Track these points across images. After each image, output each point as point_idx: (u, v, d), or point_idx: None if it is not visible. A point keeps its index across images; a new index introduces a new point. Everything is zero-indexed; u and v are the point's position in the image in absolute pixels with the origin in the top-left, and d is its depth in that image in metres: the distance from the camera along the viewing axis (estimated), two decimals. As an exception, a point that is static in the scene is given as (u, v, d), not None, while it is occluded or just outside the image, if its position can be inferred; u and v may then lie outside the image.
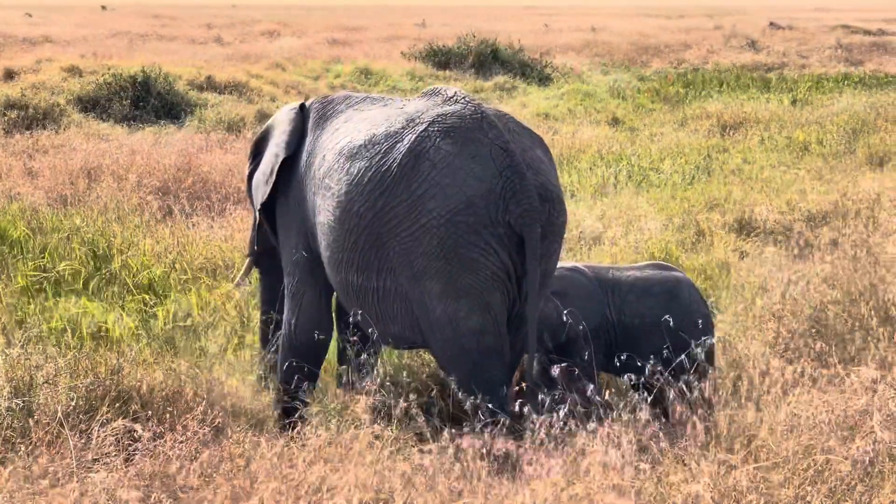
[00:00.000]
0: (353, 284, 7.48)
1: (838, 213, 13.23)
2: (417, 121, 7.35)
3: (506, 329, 7.26)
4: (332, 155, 7.64)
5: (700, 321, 8.07)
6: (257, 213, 8.39)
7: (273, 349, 8.56)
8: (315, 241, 7.86)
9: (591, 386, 7.51)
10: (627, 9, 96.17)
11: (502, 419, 6.87)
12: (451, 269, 7.03)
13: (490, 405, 6.99)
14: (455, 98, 7.52)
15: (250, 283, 9.77)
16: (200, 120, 22.05)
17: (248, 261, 9.17)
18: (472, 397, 6.97)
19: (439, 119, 7.28)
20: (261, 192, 8.33)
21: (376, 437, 6.62)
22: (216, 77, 27.18)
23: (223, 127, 21.10)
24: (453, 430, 6.62)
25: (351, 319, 7.72)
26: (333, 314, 8.50)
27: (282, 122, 8.44)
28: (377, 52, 38.39)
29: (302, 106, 8.44)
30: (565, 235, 10.50)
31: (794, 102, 26.35)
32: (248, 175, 8.88)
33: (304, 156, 8.05)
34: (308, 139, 8.13)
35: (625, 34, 51.30)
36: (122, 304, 10.41)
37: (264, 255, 8.84)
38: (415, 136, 7.23)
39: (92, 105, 22.70)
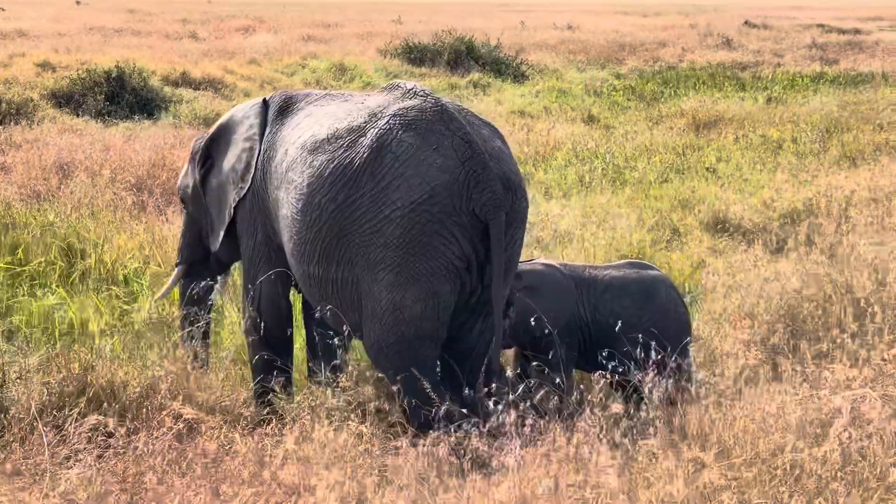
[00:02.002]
0: (314, 276, 7.58)
1: (812, 212, 13.28)
2: (379, 115, 7.48)
3: (448, 317, 7.37)
4: (294, 149, 7.75)
5: (677, 321, 8.09)
6: (231, 211, 8.38)
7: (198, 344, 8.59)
8: (275, 234, 7.96)
9: (564, 381, 7.55)
10: (603, 6, 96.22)
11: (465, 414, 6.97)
12: (408, 258, 7.16)
13: (425, 384, 7.15)
14: (414, 91, 7.65)
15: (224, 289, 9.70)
16: (175, 116, 22.01)
17: (177, 270, 9.16)
18: (402, 388, 7.20)
19: (400, 113, 7.42)
20: (234, 189, 8.33)
21: (351, 434, 6.63)
22: (191, 73, 27.10)
23: (198, 123, 21.05)
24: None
25: (318, 316, 7.79)
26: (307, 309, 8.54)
27: (247, 117, 8.46)
28: (353, 49, 38.28)
29: (264, 100, 8.48)
30: (540, 234, 10.49)
31: (768, 101, 26.42)
32: (201, 180, 8.80)
33: (264, 148, 8.14)
34: (268, 131, 8.21)
35: (601, 32, 51.33)
36: (96, 299, 10.37)
37: (196, 261, 8.95)
38: (377, 129, 7.37)
39: (66, 100, 22.57)
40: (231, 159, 8.44)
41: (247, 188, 8.19)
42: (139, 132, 19.42)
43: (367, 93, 8.19)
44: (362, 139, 7.37)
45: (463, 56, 34.28)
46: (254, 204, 8.15)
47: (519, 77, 33.28)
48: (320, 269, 7.51)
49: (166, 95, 23.94)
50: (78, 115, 21.60)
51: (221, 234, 8.51)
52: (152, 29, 46.28)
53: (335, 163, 7.38)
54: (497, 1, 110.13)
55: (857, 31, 54.48)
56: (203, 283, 8.75)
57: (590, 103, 26.75)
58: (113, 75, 23.19)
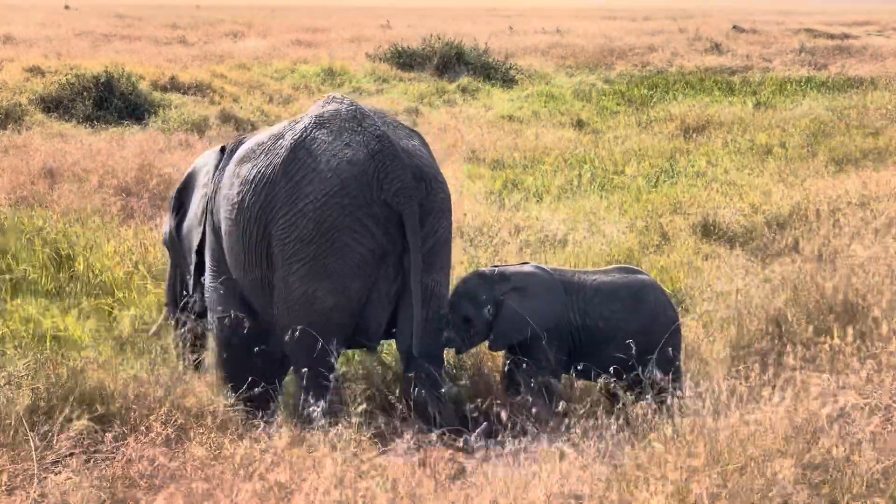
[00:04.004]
0: (255, 280, 7.89)
1: (800, 216, 13.29)
2: (299, 120, 7.97)
3: (359, 308, 7.70)
4: (230, 168, 8.13)
5: (666, 325, 8.09)
6: (194, 255, 8.62)
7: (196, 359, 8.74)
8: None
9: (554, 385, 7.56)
10: (592, 10, 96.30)
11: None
12: (321, 252, 7.51)
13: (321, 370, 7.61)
14: (334, 98, 8.13)
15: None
16: (164, 120, 21.95)
17: (165, 310, 9.44)
18: (303, 369, 7.65)
19: (318, 115, 7.88)
20: (198, 230, 8.61)
21: (339, 439, 6.63)
22: (180, 77, 27.03)
23: (186, 127, 21.00)
24: (411, 434, 6.69)
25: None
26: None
27: (206, 164, 8.82)
28: (342, 53, 38.27)
29: (222, 148, 8.78)
30: (530, 238, 10.48)
31: (757, 105, 26.44)
32: (175, 227, 9.07)
33: (215, 185, 8.43)
34: (219, 171, 8.48)
35: (589, 36, 51.30)
36: (84, 305, 10.35)
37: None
38: (294, 132, 7.82)
39: (55, 105, 22.51)
40: (195, 204, 8.75)
41: (204, 226, 8.48)
42: (127, 137, 19.36)
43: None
44: (281, 141, 7.80)
45: (452, 61, 34.28)
46: (211, 236, 8.41)
47: (508, 82, 33.28)
48: (260, 273, 7.82)
49: (155, 100, 23.86)
50: (66, 121, 21.54)
51: (190, 280, 8.76)
52: (141, 33, 46.21)
53: (257, 167, 7.78)
54: (485, 5, 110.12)
55: (846, 36, 54.45)
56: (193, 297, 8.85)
57: (579, 108, 26.74)
58: (101, 80, 23.13)
